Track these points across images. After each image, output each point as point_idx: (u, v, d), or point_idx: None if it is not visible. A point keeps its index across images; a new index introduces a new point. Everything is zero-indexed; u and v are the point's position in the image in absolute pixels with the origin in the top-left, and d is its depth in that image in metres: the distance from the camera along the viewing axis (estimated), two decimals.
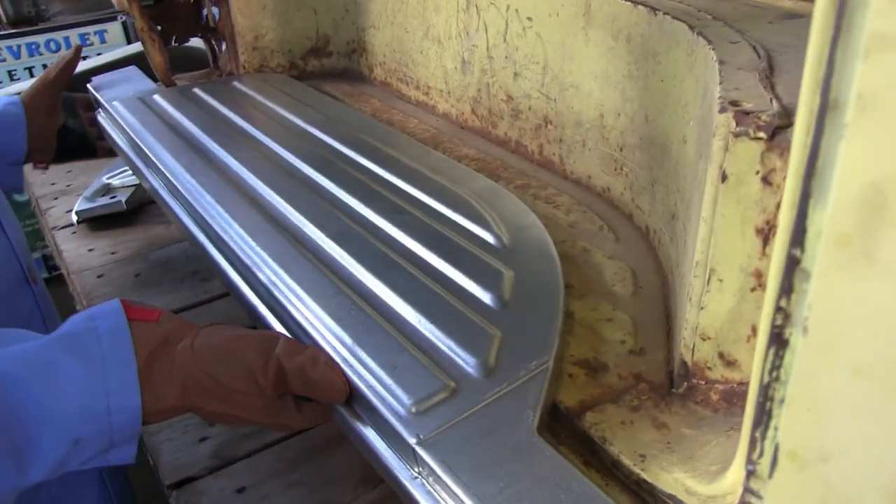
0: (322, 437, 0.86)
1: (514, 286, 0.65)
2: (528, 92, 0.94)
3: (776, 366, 0.33)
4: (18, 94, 1.14)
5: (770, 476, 0.34)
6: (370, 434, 0.57)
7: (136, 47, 2.55)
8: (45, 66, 3.29)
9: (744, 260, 0.49)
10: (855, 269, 0.27)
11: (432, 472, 0.50)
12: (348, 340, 0.60)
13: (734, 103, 0.49)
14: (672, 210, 0.70)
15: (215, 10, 1.30)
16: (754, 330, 0.51)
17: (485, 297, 0.64)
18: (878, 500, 0.29)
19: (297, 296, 0.66)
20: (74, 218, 1.39)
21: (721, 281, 0.51)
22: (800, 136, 0.29)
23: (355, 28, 1.28)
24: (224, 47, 1.34)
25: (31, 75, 3.23)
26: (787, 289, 0.31)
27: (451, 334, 0.60)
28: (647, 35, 0.75)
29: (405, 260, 0.70)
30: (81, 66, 2.70)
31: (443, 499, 0.50)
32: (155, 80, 1.30)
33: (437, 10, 1.05)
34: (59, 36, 3.30)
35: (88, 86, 1.31)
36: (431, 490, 0.51)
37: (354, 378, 0.57)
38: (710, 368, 0.54)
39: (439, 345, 0.59)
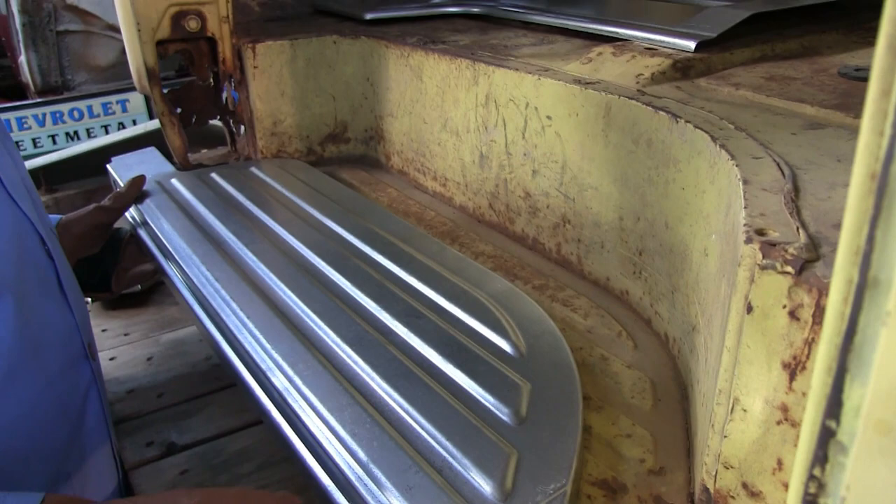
0: None
1: (531, 399, 0.64)
2: (547, 190, 0.94)
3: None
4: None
5: None
6: None
7: (156, 123, 2.60)
8: (68, 133, 3.35)
9: (769, 393, 0.48)
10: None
11: None
12: (363, 457, 0.59)
13: (760, 232, 0.48)
14: (692, 322, 0.69)
15: (235, 93, 1.32)
16: (780, 463, 0.49)
17: (501, 411, 0.63)
18: None
19: (310, 404, 0.65)
20: (88, 298, 1.39)
21: (745, 411, 0.50)
22: (836, 305, 0.28)
23: (373, 115, 1.29)
24: (242, 130, 1.35)
25: (55, 143, 3.29)
26: (821, 459, 0.30)
27: (467, 453, 0.58)
28: (668, 142, 0.75)
29: (420, 369, 0.69)
30: (102, 141, 2.75)
31: None
32: (172, 160, 1.32)
33: (455, 104, 1.06)
34: (82, 105, 3.37)
35: (108, 166, 1.33)
36: None
37: (369, 498, 0.56)
38: (733, 497, 0.53)
39: (454, 464, 0.58)
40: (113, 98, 3.41)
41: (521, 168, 0.97)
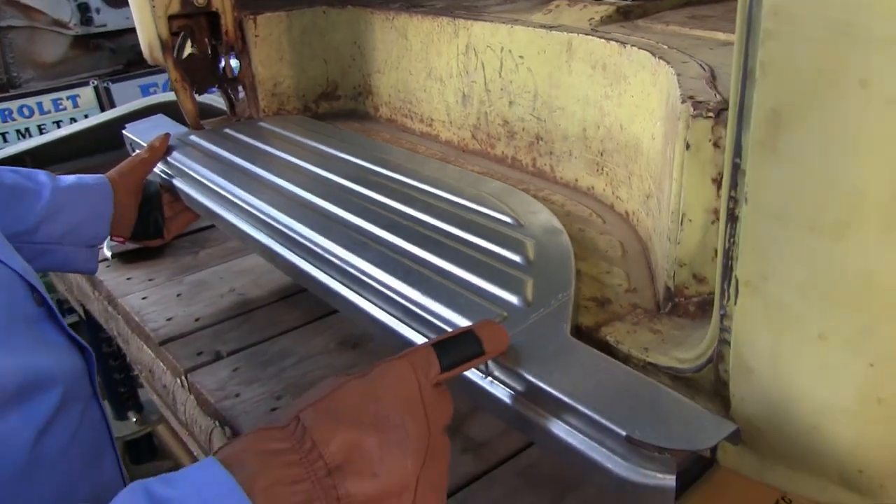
0: None
1: (535, 250, 0.89)
2: (522, 116, 1.19)
3: (732, 233, 0.57)
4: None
5: (735, 301, 0.58)
6: None
7: (111, 113, 2.74)
8: (18, 131, 3.46)
9: (706, 203, 0.73)
10: (768, 159, 0.52)
11: (501, 367, 0.72)
12: (417, 293, 0.83)
13: (691, 97, 0.74)
14: (647, 192, 0.95)
15: (233, 62, 1.54)
16: (716, 252, 0.75)
17: (515, 257, 0.88)
18: (793, 294, 0.53)
19: (366, 273, 0.89)
20: (108, 253, 1.59)
21: (691, 221, 0.75)
22: (733, 95, 0.54)
23: (361, 74, 1.52)
24: (241, 95, 1.57)
25: (5, 140, 3.40)
26: (734, 183, 0.55)
27: (495, 282, 0.83)
28: (619, 63, 1.01)
29: (445, 238, 0.93)
30: (59, 133, 2.87)
31: (509, 387, 0.72)
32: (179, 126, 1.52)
33: (438, 55, 1.30)
34: (32, 102, 3.48)
35: (124, 132, 1.53)
36: (499, 384, 0.73)
37: (429, 317, 0.80)
38: (686, 288, 0.78)
39: (486, 288, 0.82)
40: (63, 94, 3.54)
41: (499, 101, 1.22)
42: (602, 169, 1.08)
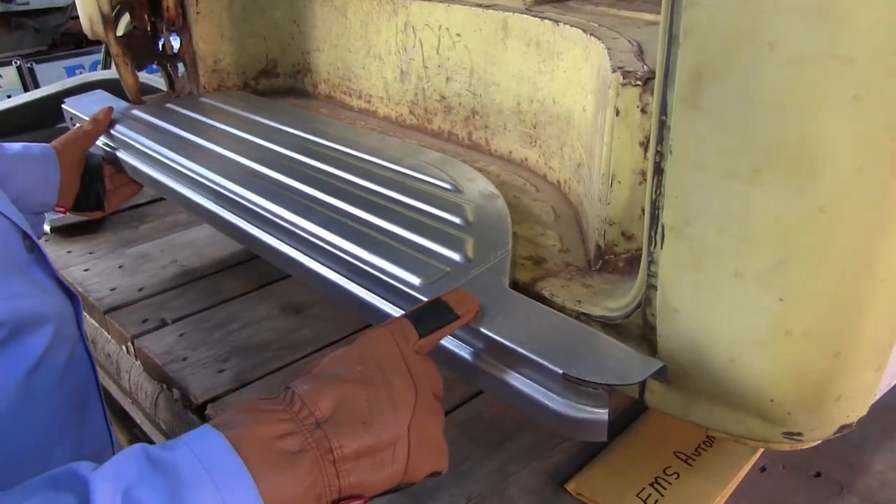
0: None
1: (474, 212, 0.93)
2: (459, 91, 1.22)
3: (658, 184, 0.62)
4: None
5: (661, 247, 0.63)
6: (391, 308, 0.82)
7: (43, 91, 2.67)
8: None
9: (633, 164, 0.78)
10: (690, 115, 0.57)
11: None
12: (360, 250, 0.86)
13: (621, 68, 0.78)
14: (578, 161, 1.00)
15: (173, 39, 1.54)
16: (643, 211, 0.80)
17: (455, 219, 0.91)
18: (713, 236, 0.58)
19: (315, 235, 0.91)
20: (46, 227, 1.57)
21: (620, 182, 0.80)
22: (660, 58, 0.58)
23: (300, 52, 1.54)
24: (182, 72, 1.57)
25: None
26: (660, 138, 0.60)
27: (437, 241, 0.86)
28: (552, 41, 1.05)
29: (388, 202, 0.97)
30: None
31: (453, 335, 0.76)
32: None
33: (377, 34, 1.33)
34: None
35: (64, 106, 1.52)
36: None
37: (373, 272, 0.83)
38: (616, 245, 0.83)
39: (429, 247, 0.86)
40: None
41: (436, 77, 1.25)
42: (535, 141, 1.13)
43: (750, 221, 0.56)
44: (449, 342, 0.76)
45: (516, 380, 0.71)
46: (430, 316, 0.69)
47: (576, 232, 0.96)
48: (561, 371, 0.65)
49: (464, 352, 0.75)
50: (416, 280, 0.80)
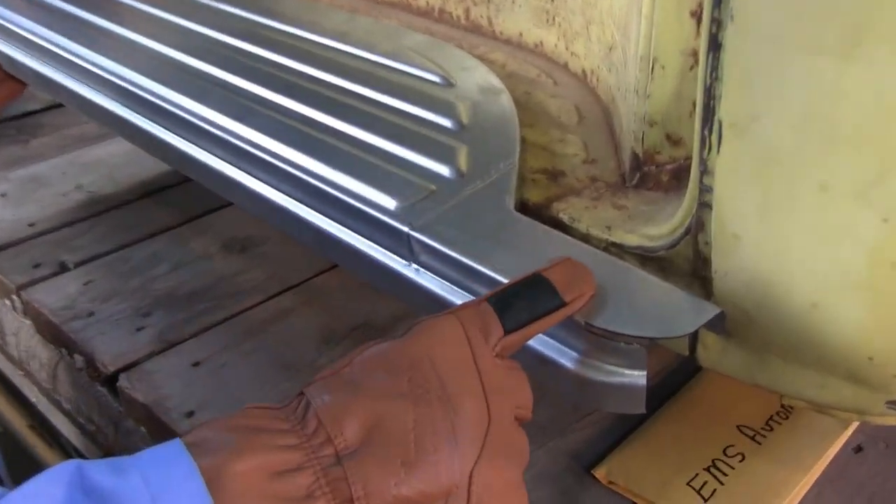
0: (275, 310, 1.08)
1: (470, 112, 0.89)
2: None
3: (715, 66, 0.57)
4: None
5: (718, 151, 0.59)
6: (361, 242, 0.79)
7: None
8: None
9: (682, 43, 0.74)
10: None
11: (429, 249, 0.72)
12: (319, 165, 0.82)
13: None
14: (609, 43, 0.95)
15: None
16: (694, 105, 0.76)
17: (444, 121, 0.87)
18: (789, 135, 0.54)
19: (259, 147, 0.88)
20: None
21: (664, 68, 0.75)
22: None
23: None
24: None
25: None
26: (717, 1, 0.56)
27: (420, 150, 0.83)
28: None
29: (356, 101, 0.93)
30: None
31: (440, 274, 0.72)
32: None
33: None
34: None
35: None
36: (426, 272, 0.74)
37: (338, 194, 0.79)
38: (658, 153, 0.79)
39: (410, 159, 0.82)
40: None
41: None
42: (553, 18, 1.08)
43: (842, 113, 0.52)
44: (431, 282, 0.73)
45: None
46: (522, 300, 0.59)
47: (606, 136, 0.92)
48: (583, 321, 0.62)
49: (452, 296, 0.72)
50: (390, 202, 0.77)
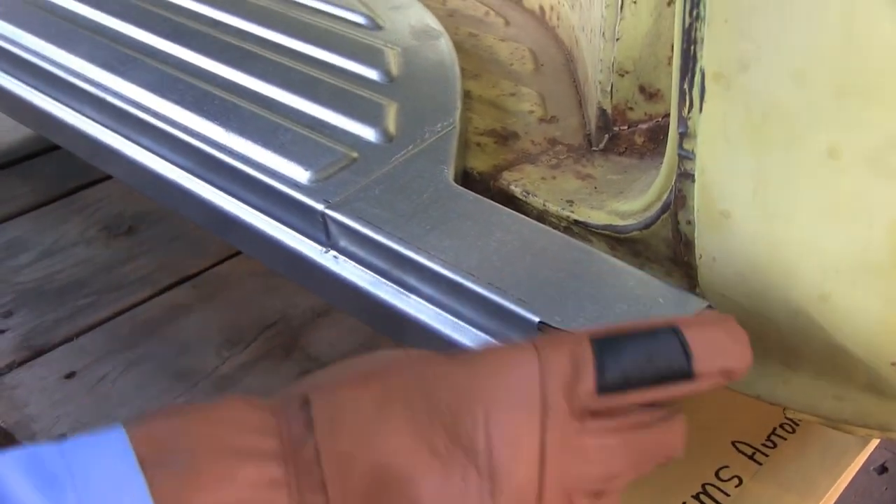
0: (167, 306, 1.05)
1: (401, 61, 0.86)
2: None
3: (695, 1, 0.55)
4: None
5: (701, 109, 0.56)
6: (267, 224, 0.76)
7: None
8: None
9: None
10: None
11: (349, 232, 0.69)
12: (215, 129, 0.79)
13: None
14: None
15: None
16: (672, 49, 0.73)
17: (370, 73, 0.85)
18: (789, 86, 0.52)
19: (140, 105, 0.85)
20: None
21: (635, 2, 0.73)
22: None
23: None
24: None
25: None
26: None
27: (341, 109, 0.80)
28: None
29: (259, 47, 0.90)
30: None
31: (362, 262, 0.70)
32: None
33: None
34: None
35: None
36: (346, 260, 0.71)
37: (238, 164, 0.76)
38: (631, 109, 0.77)
39: (329, 121, 0.80)
40: None
41: None
42: None
43: (854, 58, 0.50)
44: (352, 271, 0.71)
45: (465, 333, 0.66)
46: (636, 350, 0.50)
47: (568, 88, 0.90)
48: (537, 320, 0.60)
49: (378, 289, 0.70)
50: (302, 174, 0.75)
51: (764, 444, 0.85)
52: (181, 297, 1.07)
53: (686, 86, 0.58)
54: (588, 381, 0.48)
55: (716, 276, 0.63)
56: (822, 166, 0.53)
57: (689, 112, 0.59)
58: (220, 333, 1.02)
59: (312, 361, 0.99)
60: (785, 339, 0.61)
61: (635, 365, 0.49)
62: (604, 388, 0.49)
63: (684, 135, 0.60)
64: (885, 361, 0.57)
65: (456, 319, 0.66)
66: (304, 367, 0.98)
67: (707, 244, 0.62)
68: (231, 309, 1.05)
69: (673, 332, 0.50)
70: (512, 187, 0.76)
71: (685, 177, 0.61)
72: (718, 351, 0.51)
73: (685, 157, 0.60)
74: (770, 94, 0.54)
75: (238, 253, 1.09)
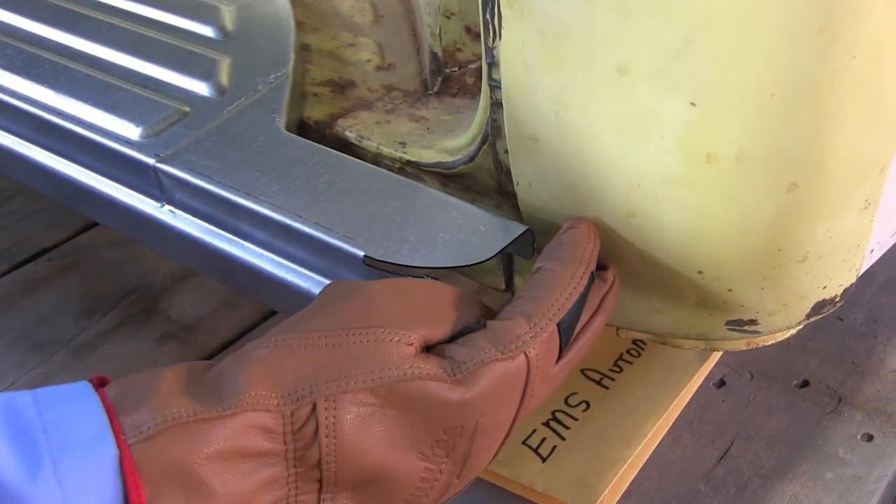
0: (23, 281, 1.05)
1: (236, 17, 0.87)
2: None
3: None
4: None
5: (500, 36, 0.58)
6: (102, 183, 0.77)
7: None
8: None
9: None
10: None
11: (182, 184, 0.70)
12: (48, 94, 0.79)
13: None
14: None
15: None
16: None
17: (204, 30, 0.85)
18: (578, 7, 0.54)
19: None
20: None
21: None
22: None
23: None
24: None
25: None
26: None
27: (174, 66, 0.81)
28: None
29: (102, 13, 0.90)
30: None
31: (196, 213, 0.71)
32: None
33: None
34: None
35: None
36: (182, 213, 0.72)
37: (69, 125, 0.77)
38: (459, 49, 0.79)
39: (160, 78, 0.80)
40: None
41: None
42: None
43: None
44: (187, 223, 0.72)
45: (293, 273, 0.68)
46: (575, 313, 0.57)
47: (407, 38, 0.91)
48: (362, 254, 0.61)
49: (216, 239, 0.71)
50: (133, 130, 0.75)
51: (611, 370, 0.86)
52: (39, 271, 1.06)
53: (488, 15, 0.59)
54: (554, 356, 0.56)
55: (533, 201, 0.64)
56: (614, 84, 0.55)
57: (493, 41, 0.60)
58: (79, 303, 1.01)
59: (173, 324, 0.98)
60: (605, 257, 0.63)
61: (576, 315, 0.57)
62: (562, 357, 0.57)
63: (492, 64, 0.61)
64: (693, 270, 0.59)
65: (289, 263, 0.68)
66: (164, 331, 0.98)
67: (522, 170, 0.63)
68: (90, 279, 1.04)
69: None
70: (347, 133, 0.77)
71: (497, 106, 0.63)
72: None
73: (495, 86, 0.62)
74: (561, 16, 0.55)
75: (96, 224, 1.08)
